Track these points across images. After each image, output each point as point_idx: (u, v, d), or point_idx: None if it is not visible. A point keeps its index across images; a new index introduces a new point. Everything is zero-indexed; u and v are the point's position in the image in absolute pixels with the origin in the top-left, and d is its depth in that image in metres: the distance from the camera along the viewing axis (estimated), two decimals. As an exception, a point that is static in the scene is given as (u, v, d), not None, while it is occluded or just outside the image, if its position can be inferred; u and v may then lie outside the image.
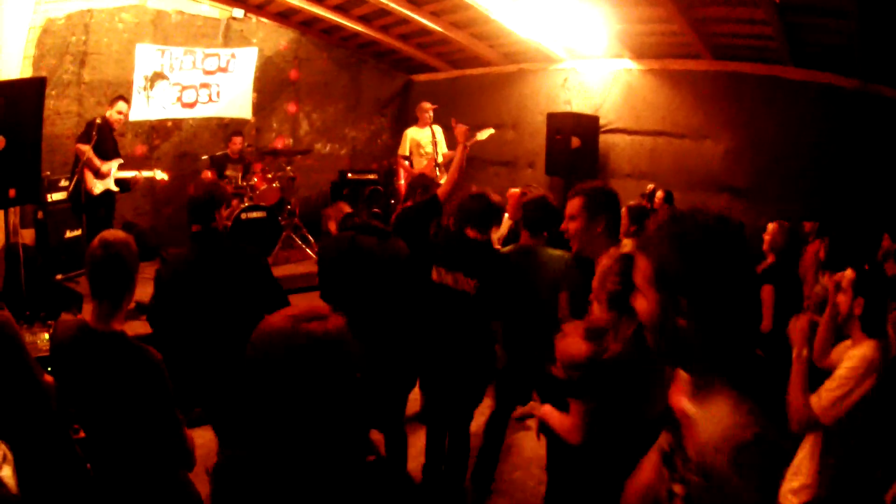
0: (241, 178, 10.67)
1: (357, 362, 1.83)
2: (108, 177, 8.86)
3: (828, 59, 8.90)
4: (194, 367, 4.62)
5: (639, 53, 10.93)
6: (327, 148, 14.01)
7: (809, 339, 3.87)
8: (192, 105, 11.61)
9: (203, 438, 6.67)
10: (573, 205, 4.09)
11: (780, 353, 5.21)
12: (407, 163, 10.99)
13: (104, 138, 8.82)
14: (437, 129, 10.99)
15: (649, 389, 2.78)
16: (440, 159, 10.76)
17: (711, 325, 1.88)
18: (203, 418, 5.34)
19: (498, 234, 7.45)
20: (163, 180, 9.71)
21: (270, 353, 1.76)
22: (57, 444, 3.51)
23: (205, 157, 10.87)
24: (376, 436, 5.49)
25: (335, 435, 1.79)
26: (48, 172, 8.90)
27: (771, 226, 6.81)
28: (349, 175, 12.77)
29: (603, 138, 11.45)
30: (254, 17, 12.37)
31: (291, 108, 13.42)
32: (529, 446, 6.43)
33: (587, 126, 11.20)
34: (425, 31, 12.08)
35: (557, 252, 5.20)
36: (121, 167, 9.09)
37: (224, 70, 11.84)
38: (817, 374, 3.85)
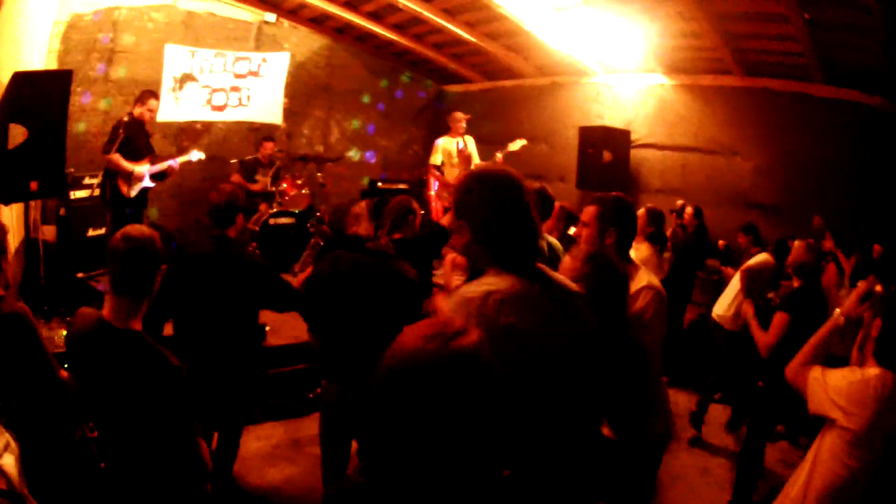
0: (271, 183, 10.63)
1: (494, 380, 1.68)
2: (142, 180, 8.82)
3: (856, 77, 8.85)
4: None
5: (671, 68, 10.88)
6: (358, 156, 13.97)
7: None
8: (221, 108, 11.57)
9: (273, 431, 6.68)
10: (587, 212, 4.10)
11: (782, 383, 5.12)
12: (438, 173, 10.90)
13: (134, 136, 8.75)
14: (470, 140, 10.94)
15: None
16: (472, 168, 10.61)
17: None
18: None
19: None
20: (200, 160, 9.66)
21: (411, 377, 1.60)
22: (68, 438, 3.48)
23: (234, 160, 10.84)
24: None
25: (479, 454, 1.65)
26: (72, 169, 8.87)
27: (797, 243, 6.65)
28: (379, 183, 12.73)
29: (634, 153, 11.39)
30: (286, 22, 12.40)
31: (323, 114, 13.40)
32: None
33: (619, 140, 11.16)
34: (459, 41, 12.06)
35: None
36: (154, 160, 9.02)
37: (255, 74, 11.78)
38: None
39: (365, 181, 13.10)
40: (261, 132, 11.72)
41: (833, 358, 3.71)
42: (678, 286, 8.21)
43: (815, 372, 3.44)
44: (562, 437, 3.28)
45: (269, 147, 10.91)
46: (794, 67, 9.31)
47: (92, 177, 9.13)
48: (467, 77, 14.06)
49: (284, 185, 10.60)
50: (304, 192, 10.83)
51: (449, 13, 11.05)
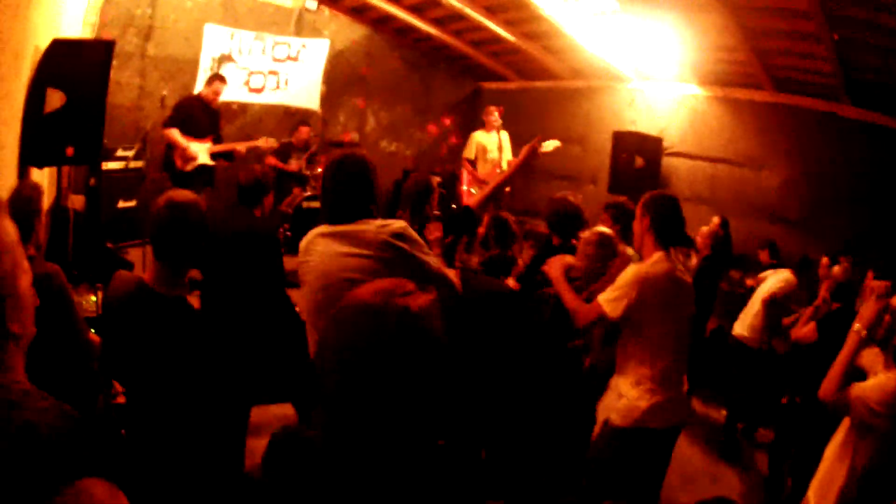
0: (305, 167, 10.74)
1: (443, 342, 1.73)
2: (196, 158, 9.08)
3: (882, 98, 8.89)
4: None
5: (705, 80, 10.94)
6: (393, 146, 14.11)
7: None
8: (259, 90, 11.74)
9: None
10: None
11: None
12: (471, 166, 10.99)
13: (195, 114, 9.12)
14: (504, 135, 11.00)
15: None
16: (504, 166, 10.72)
17: None
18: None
19: None
20: (270, 146, 9.92)
21: (357, 330, 1.67)
22: (91, 402, 3.47)
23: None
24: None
25: (410, 417, 1.70)
26: (105, 141, 9.01)
27: (836, 268, 6.71)
28: (412, 175, 12.87)
29: (665, 160, 11.44)
30: (327, 10, 12.51)
31: (360, 103, 13.54)
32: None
33: (651, 147, 11.24)
34: (497, 40, 12.12)
35: None
36: (217, 141, 9.38)
37: (294, 59, 11.95)
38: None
39: (399, 172, 13.21)
40: (296, 117, 11.86)
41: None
42: (700, 296, 8.26)
43: (857, 390, 3.42)
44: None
45: (304, 132, 11.02)
46: (823, 86, 9.37)
47: (126, 149, 9.30)
48: (504, 75, 14.11)
49: (319, 170, 10.67)
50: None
51: (490, 11, 11.10)
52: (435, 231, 5.83)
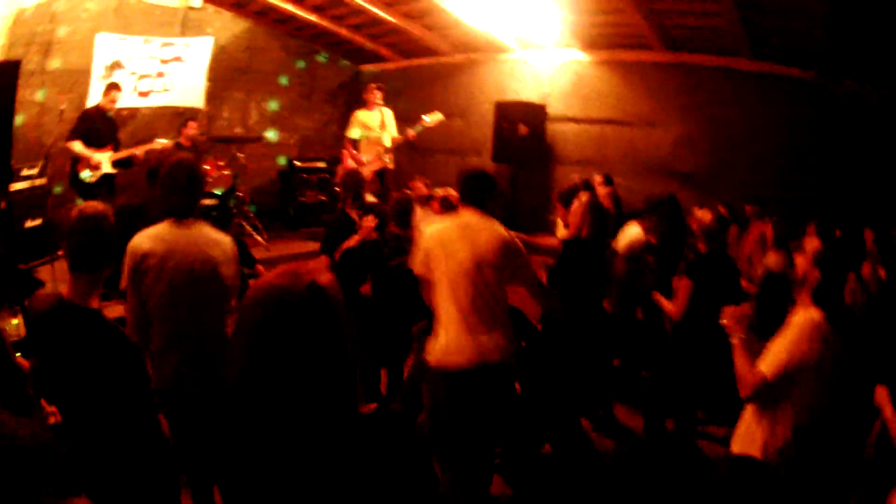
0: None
1: (346, 317, 1.81)
2: (100, 167, 9.21)
3: (787, 51, 9.11)
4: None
5: (589, 44, 11.16)
6: (276, 136, 14.14)
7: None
8: (147, 94, 11.73)
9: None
10: None
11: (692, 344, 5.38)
12: (352, 146, 10.92)
13: (95, 125, 9.22)
14: (387, 112, 11.00)
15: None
16: (387, 143, 10.81)
17: None
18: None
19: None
20: (165, 147, 9.84)
21: (266, 306, 1.74)
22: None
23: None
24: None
25: (328, 389, 1.74)
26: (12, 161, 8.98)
27: (699, 211, 6.74)
28: (297, 163, 12.96)
29: (551, 126, 11.69)
30: (211, 7, 12.47)
31: (242, 96, 13.57)
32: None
33: (535, 114, 11.47)
34: (377, 22, 12.23)
35: None
36: (117, 149, 9.45)
37: (179, 59, 11.96)
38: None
39: (283, 161, 13.27)
40: (185, 116, 11.75)
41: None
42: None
43: (764, 366, 3.66)
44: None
45: (193, 127, 10.95)
46: (720, 42, 9.59)
47: (30, 168, 9.22)
48: (384, 56, 14.21)
49: (207, 167, 10.65)
50: (225, 172, 10.95)
51: (368, -6, 11.26)
52: (372, 221, 6.17)
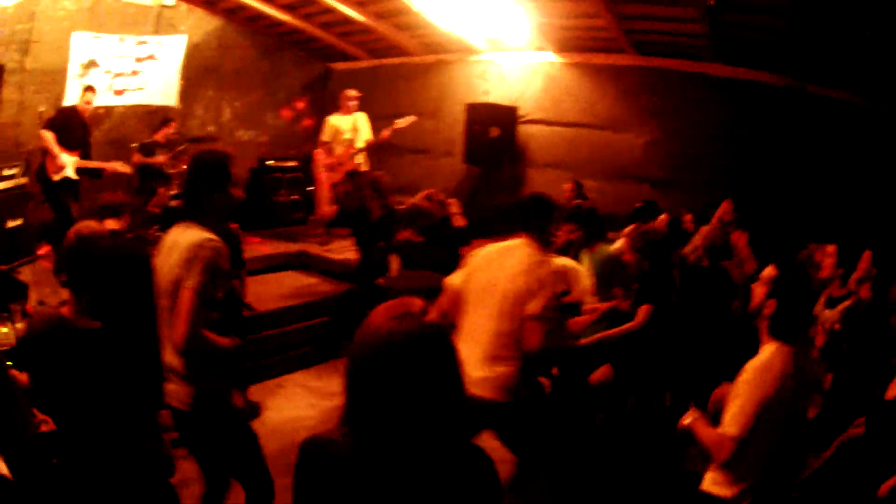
0: (170, 164, 10.73)
1: (453, 352, 1.97)
2: (64, 168, 9.18)
3: (754, 56, 9.33)
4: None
5: (561, 47, 11.31)
6: (248, 134, 14.14)
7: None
8: (121, 92, 11.76)
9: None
10: None
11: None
12: (325, 150, 11.03)
13: (67, 125, 9.23)
14: (361, 116, 11.16)
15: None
16: (361, 144, 10.97)
17: None
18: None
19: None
20: (125, 171, 9.92)
21: (371, 353, 1.89)
22: (23, 437, 3.36)
23: (134, 144, 10.73)
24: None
25: (433, 422, 1.88)
26: (-10, 161, 8.97)
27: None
28: (268, 162, 12.99)
29: (522, 129, 11.84)
30: (184, 5, 12.46)
31: (214, 95, 13.54)
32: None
33: (506, 116, 11.61)
34: (348, 21, 12.28)
35: None
36: (84, 155, 9.47)
37: (152, 58, 11.99)
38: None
39: (254, 160, 13.30)
40: (157, 115, 11.77)
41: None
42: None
43: (724, 421, 3.63)
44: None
45: (172, 126, 10.95)
46: (690, 47, 9.81)
47: (9, 167, 9.21)
48: (354, 55, 14.26)
49: (183, 167, 10.62)
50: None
51: (340, -7, 11.35)
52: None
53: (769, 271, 4.24)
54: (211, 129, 13.36)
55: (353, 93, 11.15)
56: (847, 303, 5.46)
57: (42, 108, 9.51)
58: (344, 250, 10.10)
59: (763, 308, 3.81)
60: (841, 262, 5.84)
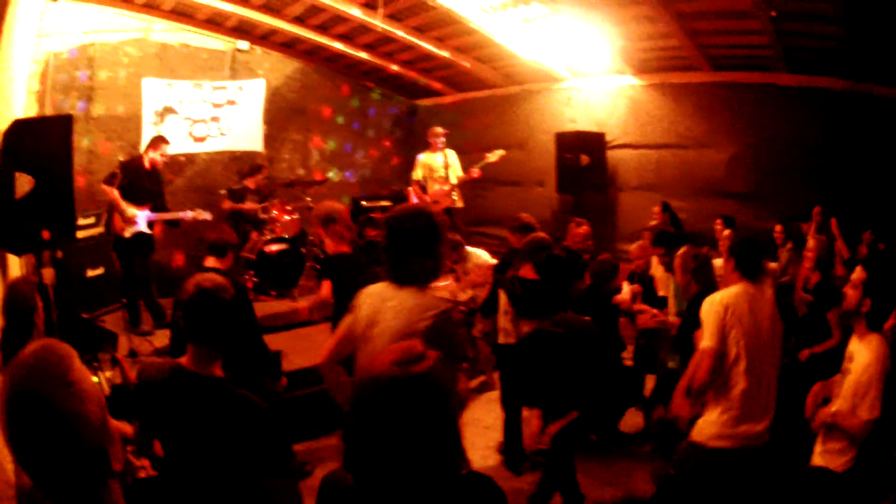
0: (261, 210, 10.67)
1: (452, 393, 2.07)
2: (135, 223, 8.80)
3: (819, 63, 9.20)
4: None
5: (640, 69, 11.19)
6: (338, 176, 14.09)
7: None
8: (203, 139, 11.77)
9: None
10: None
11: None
12: (420, 188, 11.11)
13: (134, 179, 8.83)
14: (451, 153, 11.16)
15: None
16: (454, 181, 10.96)
17: None
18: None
19: None
20: (204, 218, 9.38)
21: (376, 396, 1.95)
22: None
23: (223, 190, 10.71)
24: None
25: (435, 457, 1.95)
26: (71, 213, 8.94)
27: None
28: (363, 202, 12.87)
29: (610, 154, 11.68)
30: (259, 49, 12.52)
31: (301, 137, 13.56)
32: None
33: (594, 143, 11.45)
34: (429, 57, 12.31)
35: None
36: (156, 208, 9.00)
37: (233, 103, 12.02)
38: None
39: (346, 200, 13.20)
40: (242, 160, 11.80)
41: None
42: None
43: (867, 411, 4.08)
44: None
45: (264, 172, 10.86)
46: (759, 59, 9.69)
47: (85, 216, 9.21)
48: (438, 90, 14.27)
49: (275, 212, 10.62)
50: (294, 216, 10.83)
51: (419, 30, 11.31)
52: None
53: (858, 274, 4.21)
54: (301, 172, 13.35)
55: (440, 130, 11.13)
56: None
57: (121, 158, 9.43)
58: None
59: (861, 307, 4.26)
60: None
